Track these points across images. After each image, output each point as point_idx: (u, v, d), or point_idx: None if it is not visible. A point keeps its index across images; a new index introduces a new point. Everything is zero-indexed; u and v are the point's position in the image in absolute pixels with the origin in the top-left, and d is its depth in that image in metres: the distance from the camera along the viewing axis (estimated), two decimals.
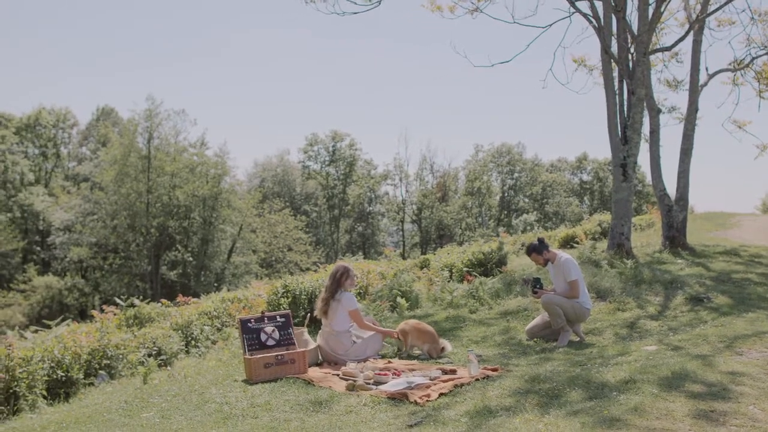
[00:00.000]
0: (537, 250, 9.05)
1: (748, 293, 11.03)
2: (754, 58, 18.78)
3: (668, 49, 16.97)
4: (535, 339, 8.83)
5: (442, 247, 25.92)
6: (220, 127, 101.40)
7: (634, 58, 14.92)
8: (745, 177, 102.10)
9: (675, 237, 16.21)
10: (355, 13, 15.15)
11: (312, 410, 5.87)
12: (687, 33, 16.09)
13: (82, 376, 8.67)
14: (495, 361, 7.63)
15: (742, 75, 19.32)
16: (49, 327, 11.91)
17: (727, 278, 12.36)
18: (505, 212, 73.48)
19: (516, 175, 74.94)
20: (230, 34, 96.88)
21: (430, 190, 69.82)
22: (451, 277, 14.77)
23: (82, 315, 44.76)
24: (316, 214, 69.13)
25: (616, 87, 15.23)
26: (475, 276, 13.67)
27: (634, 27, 15.45)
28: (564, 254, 8.97)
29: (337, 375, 7.16)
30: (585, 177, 78.78)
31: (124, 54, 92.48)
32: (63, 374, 8.42)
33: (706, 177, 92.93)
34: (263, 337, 7.52)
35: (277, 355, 7.14)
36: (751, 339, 7.62)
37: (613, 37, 15.46)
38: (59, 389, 8.32)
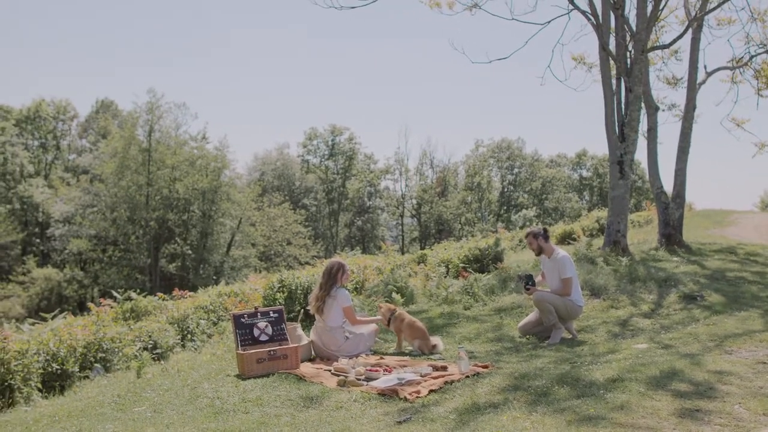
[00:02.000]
0: (536, 235, 9.09)
1: (741, 292, 11.06)
2: (752, 56, 18.82)
3: (667, 46, 16.97)
4: (528, 336, 8.87)
5: (440, 243, 25.95)
6: (220, 120, 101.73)
7: (632, 56, 14.93)
8: (743, 175, 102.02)
9: (671, 235, 16.24)
10: (353, 7, 15.14)
11: (302, 406, 5.92)
12: (686, 30, 16.10)
13: (78, 369, 8.69)
14: (487, 358, 7.68)
15: (740, 73, 19.36)
16: (45, 320, 11.94)
17: (722, 276, 12.39)
18: (505, 207, 73.59)
19: (516, 170, 75.08)
20: (230, 31, 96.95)
21: (430, 184, 69.93)
22: (447, 272, 14.79)
23: (81, 307, 44.85)
24: (315, 208, 69.22)
25: (614, 84, 15.24)
26: (471, 272, 13.70)
27: (633, 24, 15.47)
28: (561, 251, 9.01)
29: (329, 371, 7.19)
30: (585, 173, 78.85)
31: (125, 49, 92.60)
32: (58, 367, 8.44)
33: (704, 174, 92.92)
34: (256, 332, 7.56)
35: (269, 351, 7.19)
36: (741, 338, 7.67)
37: (611, 35, 15.47)
38: (54, 382, 8.34)
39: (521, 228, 31.93)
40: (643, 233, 20.68)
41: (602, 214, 25.69)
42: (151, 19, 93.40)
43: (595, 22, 14.98)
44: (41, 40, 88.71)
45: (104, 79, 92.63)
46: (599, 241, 16.73)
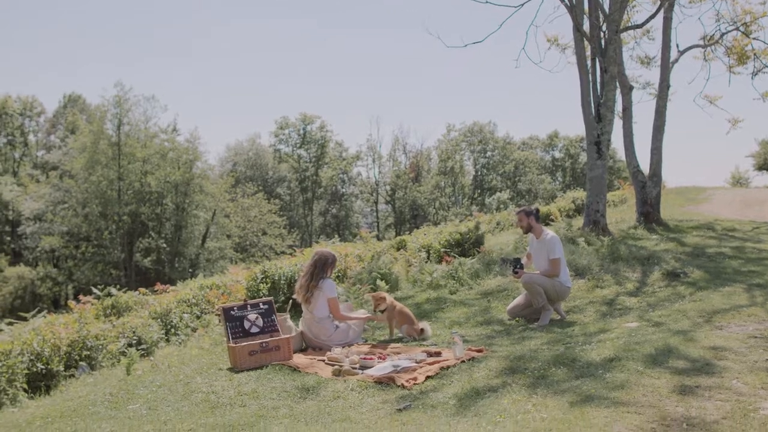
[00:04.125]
0: (527, 213, 9.08)
1: (723, 267, 11.18)
2: (723, 34, 18.98)
3: (640, 26, 17.06)
4: (517, 318, 8.88)
5: (418, 228, 25.91)
6: (190, 112, 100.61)
7: (606, 37, 14.97)
8: (714, 151, 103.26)
9: (649, 213, 16.38)
10: None
11: (299, 397, 5.87)
12: (658, 10, 16.18)
13: (63, 368, 8.56)
14: (478, 341, 7.68)
15: (712, 51, 19.53)
16: (25, 319, 11.76)
17: (702, 253, 12.52)
18: (479, 191, 73.80)
19: (488, 153, 75.27)
20: (198, 22, 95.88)
21: (403, 170, 69.87)
22: (428, 258, 14.79)
23: (56, 304, 44.38)
24: (289, 197, 68.86)
25: (589, 65, 15.28)
26: (454, 257, 13.70)
27: (606, 5, 15.49)
28: (551, 232, 9.02)
29: (323, 360, 7.14)
30: (557, 154, 79.23)
31: (92, 43, 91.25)
32: (43, 367, 8.31)
33: (675, 152, 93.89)
34: (247, 324, 7.48)
35: (261, 343, 7.11)
36: (729, 313, 7.73)
37: (585, 16, 15.48)
38: (39, 382, 8.21)
39: (497, 210, 32.02)
40: (619, 212, 20.83)
41: (578, 194, 25.85)
42: (119, 12, 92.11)
43: (568, 4, 14.96)
44: (5, 34, 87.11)
45: (71, 74, 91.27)
46: (578, 222, 16.84)
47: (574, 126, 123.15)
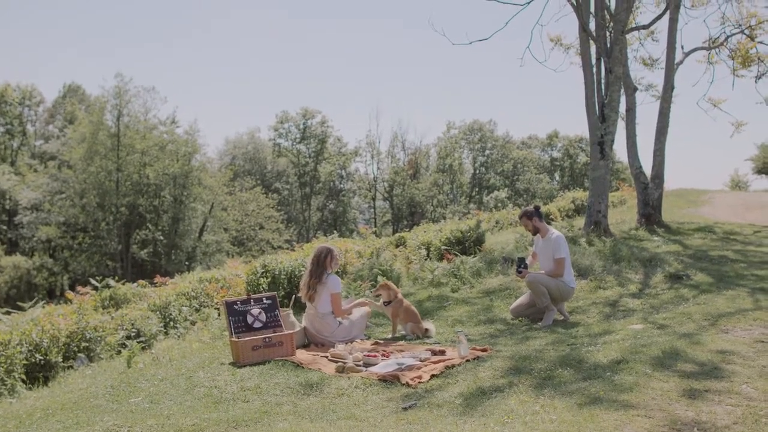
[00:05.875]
0: (530, 215, 9.04)
1: (726, 270, 11.13)
2: (728, 37, 18.93)
3: (645, 27, 17.02)
4: (520, 318, 8.84)
5: (417, 225, 25.85)
6: (190, 104, 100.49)
7: (612, 37, 14.92)
8: (714, 154, 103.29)
9: (651, 214, 16.33)
10: None
11: (303, 393, 5.82)
12: (664, 12, 16.16)
13: (61, 360, 8.52)
14: (482, 340, 7.63)
15: (716, 53, 19.48)
16: (22, 309, 11.72)
17: (704, 255, 12.48)
18: (477, 189, 73.80)
19: (487, 152, 75.26)
20: (198, 14, 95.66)
21: (402, 167, 69.78)
22: (428, 255, 14.73)
23: (51, 295, 44.28)
24: (287, 191, 68.79)
25: (594, 65, 15.23)
26: (456, 254, 13.66)
27: (612, 5, 15.43)
28: (556, 231, 8.97)
29: (326, 357, 7.09)
30: (555, 154, 79.20)
31: (93, 32, 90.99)
32: (41, 358, 8.27)
33: (676, 155, 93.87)
34: (250, 319, 7.42)
35: (264, 338, 7.05)
36: (734, 317, 7.69)
37: (591, 16, 15.43)
38: (38, 373, 8.17)
39: (495, 209, 31.95)
40: (618, 213, 20.78)
41: (578, 194, 25.83)
42: (118, 2, 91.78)
43: (575, 3, 14.92)
44: (5, 23, 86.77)
45: (71, 64, 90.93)
46: (578, 222, 16.80)
47: (574, 126, 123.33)
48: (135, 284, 13.69)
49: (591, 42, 15.18)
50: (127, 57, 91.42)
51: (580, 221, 17.31)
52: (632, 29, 16.89)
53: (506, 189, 71.55)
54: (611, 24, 15.00)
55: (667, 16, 17.07)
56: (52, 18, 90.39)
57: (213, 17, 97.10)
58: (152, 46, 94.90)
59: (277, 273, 11.35)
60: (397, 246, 16.64)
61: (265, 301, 7.63)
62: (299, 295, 8.29)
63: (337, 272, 12.48)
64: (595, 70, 15.16)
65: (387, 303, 8.40)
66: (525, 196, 69.67)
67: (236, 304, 7.50)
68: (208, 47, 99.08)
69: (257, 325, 7.42)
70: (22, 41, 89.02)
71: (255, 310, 7.49)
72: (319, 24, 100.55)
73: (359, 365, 6.54)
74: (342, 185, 71.85)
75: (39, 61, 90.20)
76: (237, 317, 7.40)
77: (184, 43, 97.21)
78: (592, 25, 15.26)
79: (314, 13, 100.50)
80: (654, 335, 6.99)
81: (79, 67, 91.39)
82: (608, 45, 14.95)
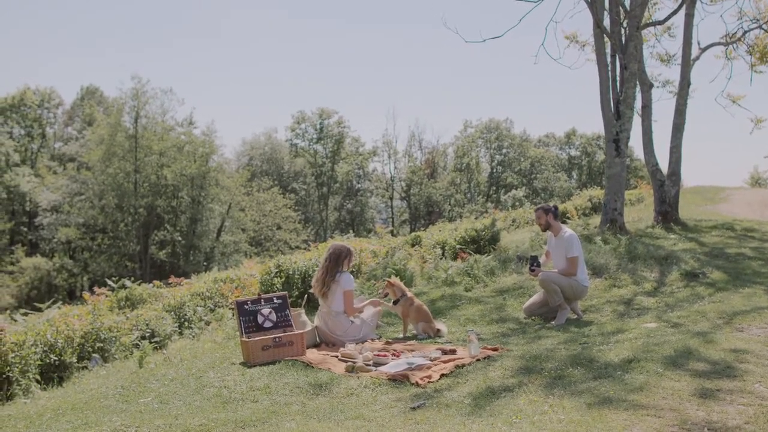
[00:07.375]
0: (546, 210, 8.98)
1: (742, 268, 11.02)
2: (746, 32, 18.73)
3: (661, 23, 16.87)
4: (533, 317, 8.78)
5: (433, 224, 25.81)
6: (207, 106, 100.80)
7: (627, 33, 14.82)
8: (733, 151, 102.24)
9: (667, 212, 16.20)
10: None
11: (312, 393, 5.80)
12: (680, 7, 15.99)
13: (75, 360, 8.55)
14: (493, 340, 7.59)
15: (734, 49, 19.28)
16: (39, 310, 11.79)
17: (721, 253, 12.35)
18: (494, 188, 73.56)
19: (504, 150, 74.96)
20: (218, 14, 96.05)
21: (419, 166, 69.76)
22: (443, 254, 14.68)
23: (71, 296, 44.62)
24: (304, 192, 68.90)
25: (609, 62, 15.12)
26: (470, 253, 13.60)
27: (627, 1, 15.31)
28: (569, 230, 8.90)
29: (336, 357, 7.08)
30: (573, 152, 78.78)
31: (110, 34, 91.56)
32: (56, 358, 8.29)
33: (693, 152, 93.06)
34: (260, 319, 7.42)
35: (274, 338, 7.05)
36: (750, 315, 7.60)
37: (605, 12, 15.32)
38: (52, 373, 8.20)
39: (512, 208, 31.85)
40: (636, 211, 20.65)
41: (595, 192, 25.67)
42: (136, 3, 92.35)
43: None
44: (25, 26, 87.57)
45: (90, 66, 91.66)
46: (594, 220, 16.68)
47: (591, 124, 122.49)
48: (150, 285, 13.74)
49: (606, 38, 15.08)
50: (144, 59, 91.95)
51: (596, 219, 17.21)
52: (647, 25, 16.75)
53: (524, 188, 71.27)
54: (626, 20, 14.89)
55: (683, 12, 16.91)
56: (68, 21, 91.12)
57: (225, 18, 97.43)
58: (167, 49, 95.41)
59: (291, 273, 11.32)
60: (412, 245, 16.60)
61: (275, 301, 7.62)
62: (311, 290, 8.27)
63: (351, 271, 12.54)
64: (610, 66, 15.07)
65: (396, 301, 8.37)
66: (542, 194, 69.39)
67: (247, 304, 7.50)
68: (225, 48, 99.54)
69: (267, 324, 7.41)
70: (41, 43, 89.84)
71: (265, 310, 7.49)
72: (336, 25, 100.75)
73: (369, 365, 6.52)
74: (359, 185, 71.87)
75: (57, 63, 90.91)
76: (247, 317, 7.40)
77: (200, 45, 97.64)
78: (607, 22, 15.16)
79: (329, 14, 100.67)
80: (667, 334, 6.91)
81: (96, 69, 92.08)
82: (623, 41, 14.85)
